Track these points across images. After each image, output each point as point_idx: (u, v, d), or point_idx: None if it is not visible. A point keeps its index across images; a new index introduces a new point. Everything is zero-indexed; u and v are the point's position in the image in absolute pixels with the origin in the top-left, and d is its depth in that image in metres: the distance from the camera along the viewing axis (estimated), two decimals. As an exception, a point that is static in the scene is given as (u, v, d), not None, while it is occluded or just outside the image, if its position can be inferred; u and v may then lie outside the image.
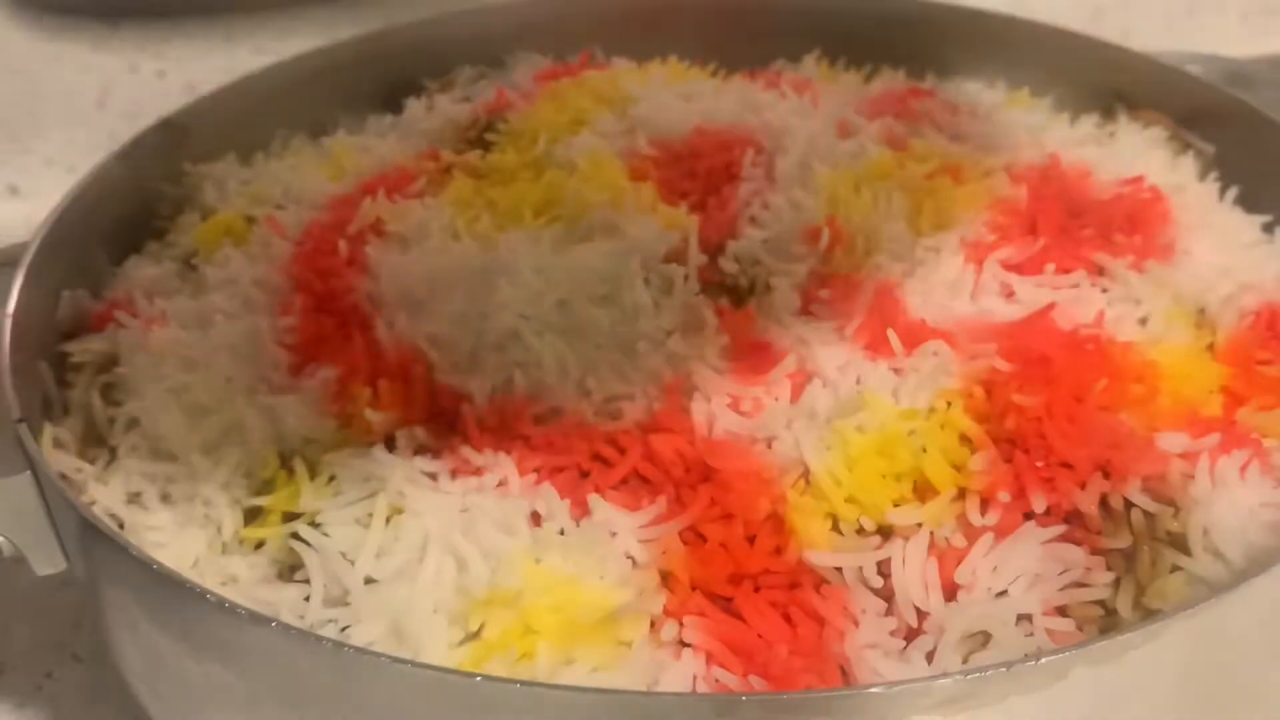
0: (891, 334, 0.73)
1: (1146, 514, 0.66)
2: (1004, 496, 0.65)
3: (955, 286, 0.79)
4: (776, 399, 0.71)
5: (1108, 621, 0.64)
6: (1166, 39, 1.48)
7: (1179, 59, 1.07)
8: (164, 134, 0.95)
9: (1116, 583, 0.65)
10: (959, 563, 0.64)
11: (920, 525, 0.65)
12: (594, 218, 0.85)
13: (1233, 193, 0.92)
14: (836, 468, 0.67)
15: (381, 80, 1.10)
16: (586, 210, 0.85)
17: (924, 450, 0.67)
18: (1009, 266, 0.81)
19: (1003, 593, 0.63)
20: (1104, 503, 0.66)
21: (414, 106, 1.07)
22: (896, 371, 0.72)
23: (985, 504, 0.66)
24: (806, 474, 0.67)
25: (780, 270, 0.82)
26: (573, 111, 0.97)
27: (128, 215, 0.92)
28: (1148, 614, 0.64)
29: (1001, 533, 0.65)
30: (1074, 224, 0.86)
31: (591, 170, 0.89)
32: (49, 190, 1.29)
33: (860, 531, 0.66)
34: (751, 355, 0.74)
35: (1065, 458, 0.67)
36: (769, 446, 0.69)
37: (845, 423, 0.68)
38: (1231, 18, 1.52)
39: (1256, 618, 0.61)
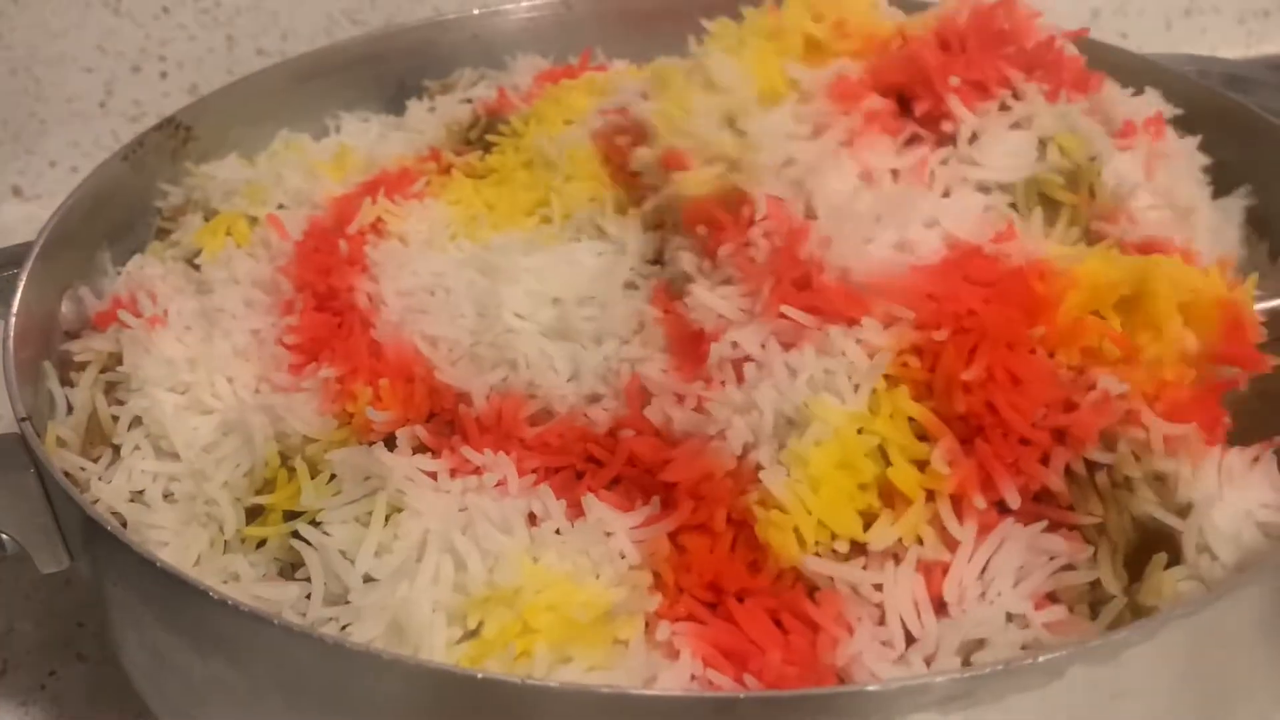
0: (798, 314, 0.70)
1: (1111, 476, 0.66)
2: (979, 503, 0.65)
3: (856, 221, 0.75)
4: (724, 383, 0.70)
5: (1096, 595, 0.65)
6: (1163, 41, 1.49)
7: (1176, 61, 1.07)
8: (167, 134, 0.95)
9: (1094, 556, 0.65)
10: (944, 575, 0.64)
11: (900, 540, 0.64)
12: (581, 218, 0.85)
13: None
14: (802, 493, 0.65)
15: (383, 81, 1.10)
16: (573, 210, 0.86)
17: (882, 452, 0.66)
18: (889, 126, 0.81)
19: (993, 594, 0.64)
20: (1067, 471, 0.66)
21: (415, 107, 1.07)
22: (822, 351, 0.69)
23: (958, 503, 0.65)
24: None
25: (681, 242, 0.80)
26: (573, 113, 0.97)
27: (130, 215, 0.92)
28: (1142, 610, 0.64)
29: (980, 530, 0.64)
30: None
31: (570, 165, 0.89)
32: (52, 191, 1.30)
33: (834, 553, 0.65)
34: (688, 346, 0.73)
35: (1022, 433, 0.66)
36: (724, 439, 0.68)
37: (801, 443, 0.66)
38: (1228, 20, 1.51)
39: (1252, 616, 0.61)
